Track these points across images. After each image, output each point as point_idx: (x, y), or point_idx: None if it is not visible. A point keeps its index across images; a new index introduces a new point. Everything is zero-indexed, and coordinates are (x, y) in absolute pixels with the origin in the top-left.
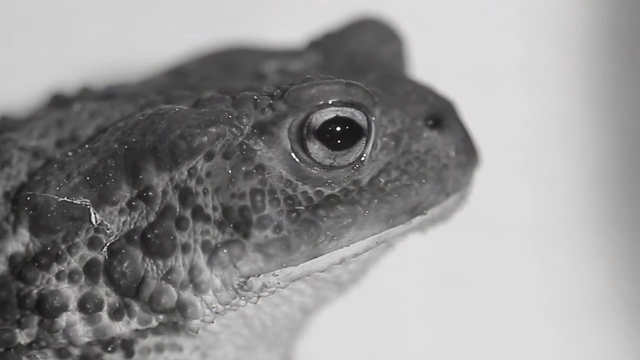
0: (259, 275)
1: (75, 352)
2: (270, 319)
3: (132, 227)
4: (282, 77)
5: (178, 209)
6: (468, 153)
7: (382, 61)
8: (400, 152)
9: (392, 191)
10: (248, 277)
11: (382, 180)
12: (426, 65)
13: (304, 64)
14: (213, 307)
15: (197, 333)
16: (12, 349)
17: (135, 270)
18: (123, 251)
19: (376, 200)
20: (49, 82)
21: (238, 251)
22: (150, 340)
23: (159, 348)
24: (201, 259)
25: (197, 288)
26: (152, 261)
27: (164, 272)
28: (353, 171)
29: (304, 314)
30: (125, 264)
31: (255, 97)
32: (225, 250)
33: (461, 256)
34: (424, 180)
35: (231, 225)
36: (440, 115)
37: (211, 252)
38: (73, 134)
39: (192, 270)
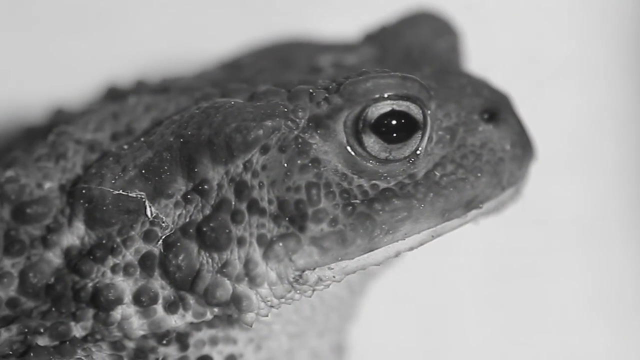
0: (314, 269)
1: (130, 345)
2: (317, 299)
3: (187, 220)
4: (337, 71)
5: (233, 203)
6: (523, 146)
7: (437, 55)
8: (456, 146)
9: (448, 185)
10: (303, 271)
11: (438, 174)
12: (480, 58)
13: (359, 58)
14: (268, 301)
15: (251, 326)
16: (68, 342)
17: (191, 263)
18: (178, 244)
19: (432, 194)
20: (104, 75)
21: (294, 244)
22: (205, 333)
23: (214, 341)
24: (257, 252)
25: (253, 281)
26: (207, 254)
27: (220, 265)
28: (409, 165)
29: (351, 292)
30: (181, 257)
31: (311, 90)
32: (281, 244)
33: (514, 250)
34: (479, 174)
35: (287, 219)
36: (496, 108)
37: (267, 245)
38: (128, 127)
39: (248, 263)
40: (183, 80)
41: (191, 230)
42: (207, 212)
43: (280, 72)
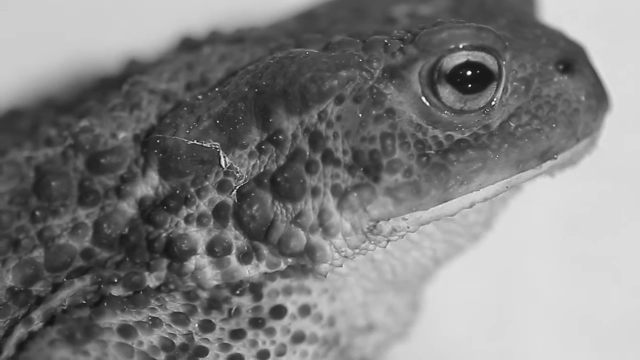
0: (388, 219)
1: (204, 295)
2: (400, 264)
3: (261, 170)
4: (412, 21)
5: (308, 153)
6: (599, 97)
7: (511, 5)
8: (531, 97)
9: (522, 135)
10: (378, 221)
11: (513, 125)
12: (555, 10)
13: (434, 8)
14: (342, 251)
15: (325, 277)
16: (141, 292)
17: (265, 213)
18: (253, 194)
19: (506, 145)
20: (179, 25)
21: (368, 195)
22: (279, 283)
23: (287, 291)
24: (331, 203)
25: (327, 232)
26: (281, 205)
27: (294, 215)
28: (484, 115)
29: (435, 262)
30: (255, 207)
31: (386, 40)
32: (355, 194)
33: (587, 203)
34: (554, 125)
35: (361, 169)
36: (571, 59)
37: (341, 195)
38: (203, 77)
39: (322, 213)
40: (257, 31)
41: (265, 181)
42: (282, 162)
43: (354, 23)
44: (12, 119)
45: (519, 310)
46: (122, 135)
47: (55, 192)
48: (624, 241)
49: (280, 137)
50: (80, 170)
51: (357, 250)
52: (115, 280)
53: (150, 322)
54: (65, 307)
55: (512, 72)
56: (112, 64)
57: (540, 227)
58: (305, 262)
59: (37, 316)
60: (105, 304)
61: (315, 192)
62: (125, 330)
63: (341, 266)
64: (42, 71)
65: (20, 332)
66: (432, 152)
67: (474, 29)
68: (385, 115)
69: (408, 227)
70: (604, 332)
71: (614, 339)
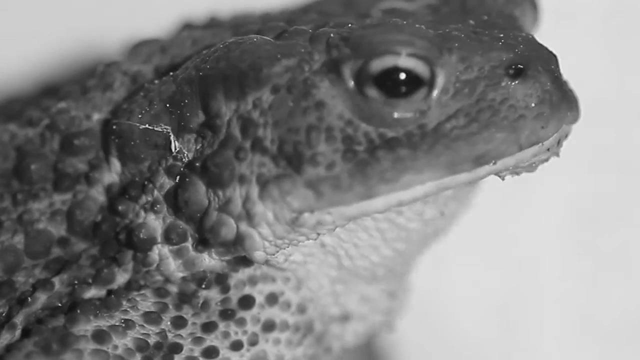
0: (312, 212)
1: (173, 289)
2: (352, 247)
3: (197, 155)
4: (384, 17)
5: (239, 139)
6: (553, 105)
7: (494, 6)
8: (474, 100)
9: (457, 138)
10: (300, 213)
11: (449, 126)
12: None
13: (415, 6)
14: (270, 240)
15: (266, 264)
16: (113, 295)
17: (198, 199)
18: (187, 180)
19: (438, 146)
20: (180, 11)
21: (289, 186)
22: (243, 274)
23: (253, 281)
24: (255, 191)
25: (251, 220)
26: (212, 191)
27: (223, 202)
28: (419, 115)
29: (390, 247)
30: (188, 193)
31: (331, 34)
32: (275, 184)
33: (598, 197)
34: (494, 129)
35: (285, 160)
36: (524, 64)
37: (263, 184)
38: (173, 60)
39: (246, 202)
40: (248, 18)
41: (197, 165)
42: (215, 147)
43: (341, 16)
44: (10, 105)
45: (530, 304)
46: (96, 116)
47: (35, 175)
48: (636, 235)
49: (217, 122)
50: (55, 152)
51: (285, 240)
52: (90, 281)
53: (123, 325)
54: (41, 316)
55: (457, 73)
56: (114, 50)
57: (551, 220)
58: (239, 251)
59: (20, 321)
60: (79, 310)
61: (242, 179)
62: (100, 336)
63: (274, 254)
64: (43, 58)
65: (4, 337)
66: (361, 148)
67: (407, 35)
68: (314, 107)
69: (334, 222)
70: (617, 326)
71: (628, 333)
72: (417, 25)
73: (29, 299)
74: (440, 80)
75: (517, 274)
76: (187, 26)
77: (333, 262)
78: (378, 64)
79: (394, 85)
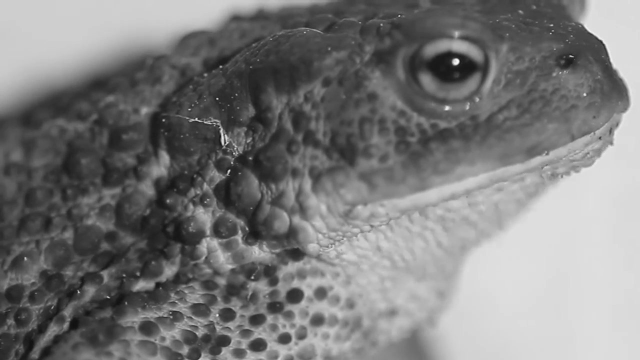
0: (365, 205)
1: (222, 282)
2: (408, 253)
3: (249, 149)
4: (433, 6)
5: (291, 133)
6: (604, 95)
7: None
8: (526, 91)
9: (509, 129)
10: (354, 205)
11: (501, 118)
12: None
13: None
14: (324, 233)
15: (317, 258)
16: (161, 287)
17: (251, 192)
18: (239, 173)
19: (491, 137)
20: (228, 2)
21: (342, 178)
22: (293, 267)
23: (301, 274)
24: (308, 184)
25: (305, 213)
26: (265, 184)
27: (276, 195)
28: (471, 106)
29: (445, 251)
30: (241, 186)
31: (381, 24)
32: (329, 177)
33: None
34: (546, 120)
35: (338, 152)
36: (575, 54)
37: (316, 177)
38: (221, 53)
39: (299, 195)
40: (296, 10)
41: (251, 159)
42: (267, 141)
43: (389, 6)
44: (58, 99)
45: (570, 294)
46: (144, 110)
47: (84, 170)
48: None
49: (268, 115)
50: (104, 146)
51: (339, 233)
52: (138, 274)
53: (171, 317)
54: (89, 309)
55: (508, 63)
56: (162, 42)
57: (594, 212)
58: (291, 244)
59: (68, 314)
60: (126, 302)
61: (295, 173)
62: (147, 328)
63: (327, 247)
64: (91, 51)
65: (52, 330)
66: (414, 139)
67: (459, 18)
68: (366, 99)
69: (387, 214)
70: None
71: None
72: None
73: (78, 292)
74: (493, 68)
75: (557, 265)
76: (235, 18)
77: (387, 264)
78: (432, 49)
79: (448, 70)
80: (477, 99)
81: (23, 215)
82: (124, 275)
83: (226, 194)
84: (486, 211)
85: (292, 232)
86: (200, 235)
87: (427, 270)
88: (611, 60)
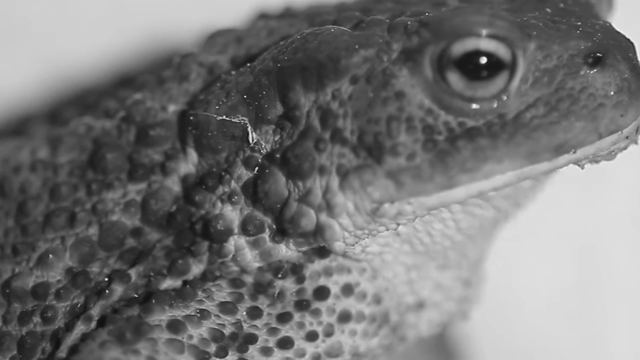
0: (393, 203)
1: (249, 280)
2: (427, 236)
3: (277, 147)
4: (460, 4)
5: (319, 130)
6: (632, 93)
7: None
8: (554, 89)
9: (536, 127)
10: (381, 204)
11: (529, 116)
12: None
13: None
14: (350, 231)
15: (343, 255)
16: (188, 285)
17: (278, 190)
18: (267, 171)
19: (518, 135)
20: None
21: (369, 176)
22: (319, 264)
23: (328, 272)
24: (335, 182)
25: (332, 211)
26: (292, 182)
27: (303, 193)
28: (498, 104)
29: (464, 234)
30: (268, 184)
31: (408, 22)
32: (356, 175)
33: None
34: (573, 119)
35: (365, 150)
36: (603, 52)
37: (343, 175)
38: (249, 51)
39: (327, 192)
40: (326, 8)
41: (277, 156)
42: (295, 139)
43: (416, 4)
44: (85, 96)
45: (599, 293)
46: (172, 108)
47: (110, 165)
48: None
49: (296, 113)
50: (131, 143)
51: (365, 231)
52: (165, 272)
53: (198, 315)
54: (116, 307)
55: (536, 62)
56: (189, 40)
57: (622, 208)
58: (318, 242)
59: (96, 313)
60: (154, 300)
61: (322, 170)
62: (175, 326)
63: (353, 245)
64: (118, 48)
65: (80, 328)
66: (441, 137)
67: (487, 16)
68: (393, 97)
69: (414, 212)
70: None
71: None
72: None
73: (106, 290)
74: (520, 66)
75: (586, 263)
76: (262, 16)
77: (407, 250)
78: (459, 47)
79: (476, 69)
80: (505, 97)
81: (48, 210)
82: (152, 273)
83: (254, 192)
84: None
85: (319, 230)
86: (228, 233)
87: (448, 256)
88: (639, 58)
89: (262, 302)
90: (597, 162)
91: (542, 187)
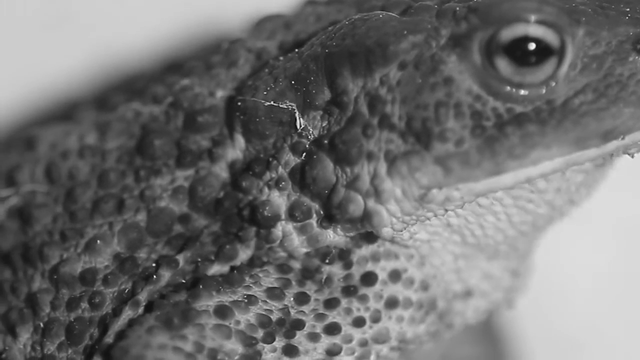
0: (440, 188)
1: (296, 265)
2: (478, 228)
3: (325, 132)
4: None
5: (367, 116)
6: None
7: None
8: (602, 75)
9: (585, 113)
10: (429, 189)
11: (577, 102)
12: None
13: None
14: (398, 217)
15: (390, 240)
16: (235, 271)
17: (326, 176)
18: (315, 157)
19: (567, 122)
20: None
21: (417, 162)
22: (367, 250)
23: (375, 257)
24: (383, 168)
25: (380, 197)
26: (340, 168)
27: (351, 179)
28: (547, 90)
29: (517, 229)
30: (316, 170)
31: (457, 8)
32: (404, 161)
33: None
34: (622, 105)
35: (413, 136)
36: None
37: (391, 161)
38: (297, 36)
39: (375, 178)
40: None
41: (325, 142)
42: (342, 124)
43: None
44: (134, 82)
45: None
46: (220, 93)
47: (158, 151)
48: None
49: (344, 99)
50: (179, 129)
51: (413, 217)
52: (212, 258)
53: (246, 301)
54: (164, 292)
55: (585, 48)
56: (237, 25)
57: None
58: (366, 227)
59: (144, 298)
60: (201, 286)
61: (370, 156)
62: (222, 311)
63: (401, 231)
64: (166, 34)
65: (127, 313)
66: (490, 123)
67: (536, 2)
68: (442, 83)
69: (462, 198)
70: None
71: None
72: None
73: (154, 276)
74: (569, 53)
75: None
76: (311, 2)
77: (457, 240)
78: (508, 33)
79: (524, 54)
80: (553, 83)
81: (96, 197)
82: (199, 259)
83: (301, 178)
84: (562, 188)
85: (367, 216)
86: (275, 218)
87: (498, 248)
88: None
89: (310, 288)
90: None
91: (597, 184)
